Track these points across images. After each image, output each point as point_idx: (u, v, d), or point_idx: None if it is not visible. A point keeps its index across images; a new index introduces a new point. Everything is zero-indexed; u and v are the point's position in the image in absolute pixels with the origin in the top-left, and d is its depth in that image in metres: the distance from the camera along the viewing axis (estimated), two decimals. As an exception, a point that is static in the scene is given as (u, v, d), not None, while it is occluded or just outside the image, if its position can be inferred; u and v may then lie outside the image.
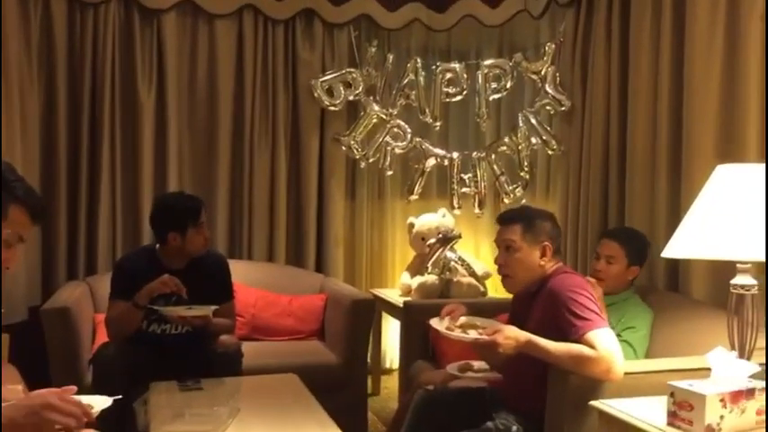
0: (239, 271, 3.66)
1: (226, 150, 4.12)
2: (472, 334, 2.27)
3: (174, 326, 2.91)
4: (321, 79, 4.16)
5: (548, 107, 3.97)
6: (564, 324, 2.15)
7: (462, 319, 2.36)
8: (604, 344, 2.07)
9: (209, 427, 2.15)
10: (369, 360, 4.09)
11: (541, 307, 2.27)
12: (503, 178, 4.17)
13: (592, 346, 2.07)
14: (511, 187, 4.16)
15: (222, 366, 2.81)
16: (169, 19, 3.97)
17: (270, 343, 3.65)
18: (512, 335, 2.16)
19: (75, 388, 1.43)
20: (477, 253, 4.54)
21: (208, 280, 2.93)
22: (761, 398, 1.78)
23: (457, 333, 2.28)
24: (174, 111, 3.99)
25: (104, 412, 1.52)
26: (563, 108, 3.88)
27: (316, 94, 4.15)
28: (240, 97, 4.12)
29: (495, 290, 4.29)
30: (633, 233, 2.92)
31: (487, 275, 4.03)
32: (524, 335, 2.16)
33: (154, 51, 3.95)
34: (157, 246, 2.96)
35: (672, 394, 1.77)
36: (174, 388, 2.56)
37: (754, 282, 1.93)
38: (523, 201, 4.15)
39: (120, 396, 1.62)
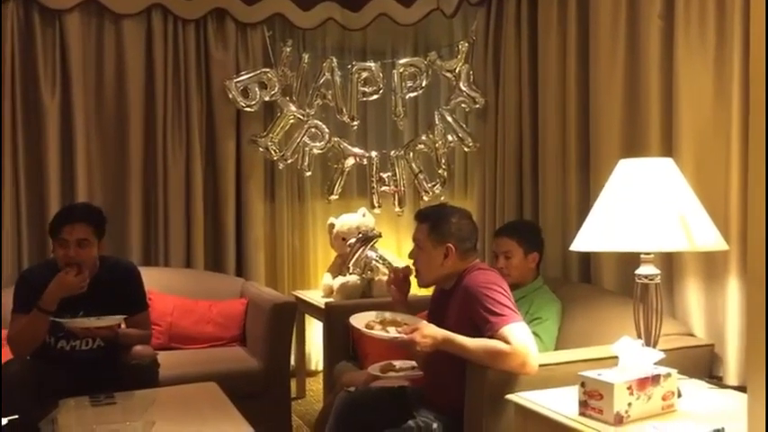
0: (155, 278, 3.57)
1: (137, 154, 3.99)
2: (392, 332, 2.28)
3: (85, 341, 2.79)
4: (235, 80, 4.09)
5: (463, 105, 4.03)
6: (479, 320, 2.18)
7: (384, 315, 2.37)
8: (518, 338, 2.11)
9: (122, 444, 2.08)
10: (293, 363, 4.05)
11: (458, 304, 2.30)
12: (421, 176, 4.21)
13: (506, 341, 2.10)
14: (429, 185, 4.20)
15: (137, 379, 2.70)
16: (72, 19, 3.81)
17: (189, 351, 3.56)
18: (429, 333, 2.18)
19: None
20: (398, 251, 4.55)
21: (117, 291, 2.82)
22: (666, 384, 1.85)
23: (377, 332, 2.30)
24: (80, 114, 3.84)
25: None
26: (477, 105, 3.94)
27: (230, 96, 4.08)
28: (151, 99, 4.01)
29: (417, 287, 4.32)
30: (521, 224, 3.15)
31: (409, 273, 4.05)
32: (441, 332, 2.19)
33: (57, 53, 3.80)
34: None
35: (582, 384, 1.82)
36: (84, 404, 2.45)
37: (657, 271, 2.00)
38: (442, 198, 4.19)
39: (17, 416, 1.53)
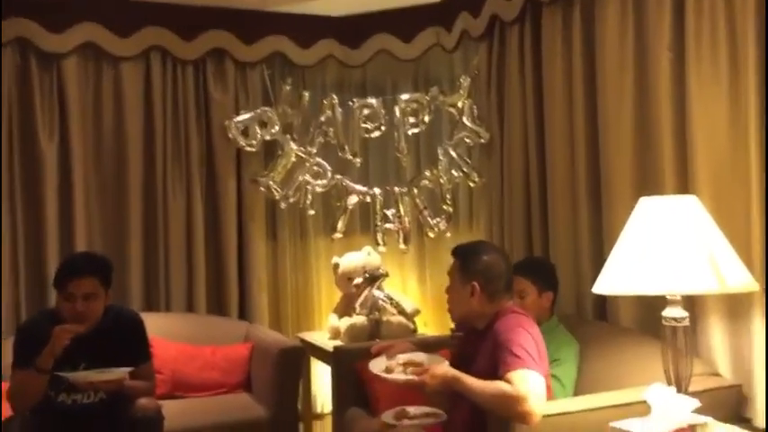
0: (157, 324, 3.47)
1: (137, 198, 3.92)
2: (408, 374, 2.22)
3: (86, 394, 2.69)
4: (235, 120, 4.04)
5: (467, 140, 3.98)
6: (497, 362, 2.11)
7: (403, 357, 2.30)
8: (525, 383, 2.02)
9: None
10: (299, 406, 3.94)
11: (489, 349, 2.21)
12: (426, 212, 4.14)
13: (511, 384, 2.02)
14: (434, 221, 4.13)
15: (142, 433, 2.62)
16: (70, 63, 3.76)
17: (193, 400, 3.46)
18: (439, 373, 2.14)
19: None
20: (404, 289, 4.47)
21: (121, 342, 2.73)
22: (701, 433, 1.77)
23: (393, 375, 2.24)
24: (79, 159, 3.77)
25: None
26: (482, 140, 3.89)
27: (230, 135, 4.03)
28: (150, 142, 3.95)
29: (425, 325, 4.24)
30: (534, 261, 3.05)
31: (416, 312, 3.98)
32: (451, 372, 2.14)
33: (55, 97, 3.74)
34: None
35: (615, 437, 1.74)
36: (88, 463, 2.36)
37: (686, 314, 1.93)
38: (448, 234, 4.13)
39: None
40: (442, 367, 2.15)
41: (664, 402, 1.78)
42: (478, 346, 2.29)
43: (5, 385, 3.01)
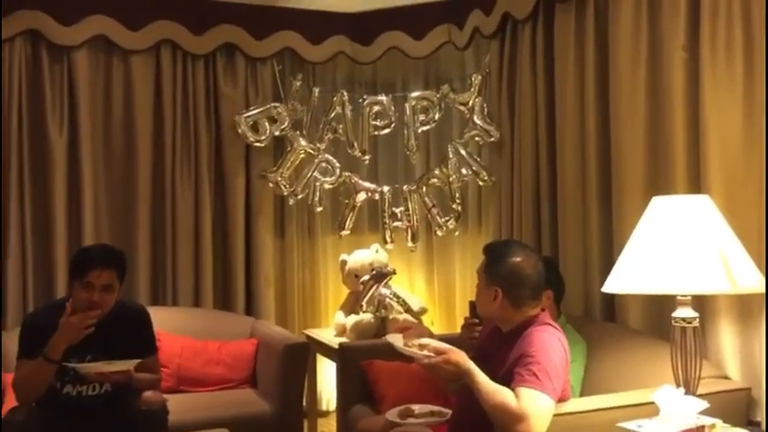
0: (163, 318, 3.48)
1: (146, 191, 3.92)
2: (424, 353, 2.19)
3: (92, 386, 2.69)
4: (245, 115, 4.04)
5: (477, 138, 3.96)
6: (515, 371, 2.06)
7: (423, 340, 2.26)
8: (533, 403, 1.96)
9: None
10: (304, 403, 3.94)
11: (510, 354, 2.14)
12: (435, 210, 4.13)
13: (518, 399, 1.97)
14: (443, 219, 4.12)
15: (146, 426, 2.62)
16: (81, 56, 3.77)
17: (198, 395, 3.45)
18: (454, 359, 2.07)
19: None
20: (411, 287, 4.46)
21: (127, 334, 2.73)
22: (710, 435, 1.74)
23: (410, 350, 2.17)
24: (88, 151, 3.78)
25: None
26: (492, 139, 3.87)
27: (240, 131, 4.02)
28: (160, 136, 3.95)
29: (432, 323, 4.22)
30: None
31: (423, 311, 3.96)
32: (468, 364, 2.07)
33: (65, 89, 3.75)
34: (70, 300, 2.74)
35: (622, 437, 1.72)
36: (92, 454, 2.36)
37: (696, 314, 1.91)
38: (456, 233, 4.12)
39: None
40: (461, 356, 2.09)
41: (672, 404, 1.75)
42: (500, 348, 2.22)
43: (7, 377, 3.03)
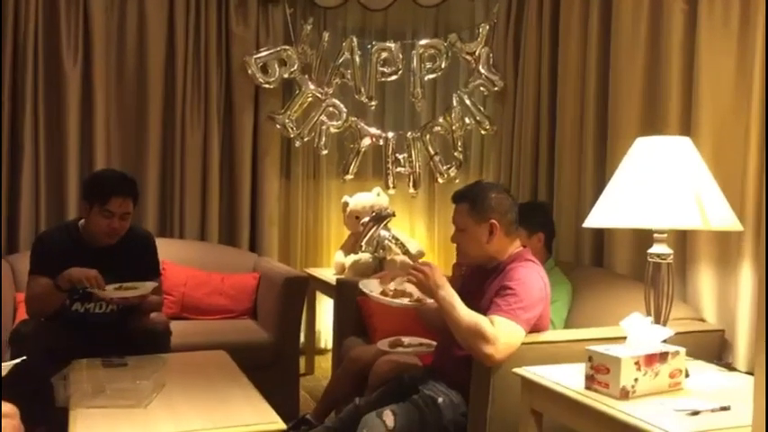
0: (170, 249, 3.60)
1: (156, 126, 4.01)
2: (403, 301, 2.30)
3: (99, 304, 2.82)
4: (255, 56, 4.10)
5: (481, 88, 4.02)
6: (494, 300, 2.17)
7: (395, 282, 2.37)
8: (504, 330, 2.08)
9: (132, 402, 2.10)
10: (303, 340, 4.08)
11: (494, 287, 2.25)
12: (437, 158, 4.21)
13: (492, 324, 2.08)
14: (445, 167, 4.19)
15: (149, 344, 2.74)
16: (96, -11, 3.83)
17: (200, 322, 3.59)
18: (435, 276, 2.16)
19: None
20: (411, 232, 4.56)
21: (133, 258, 2.85)
22: (674, 362, 1.84)
23: (388, 298, 2.31)
24: (101, 84, 3.86)
25: (19, 384, 1.45)
26: (496, 88, 3.92)
27: (250, 72, 4.09)
28: (171, 72, 4.02)
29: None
30: (522, 205, 3.02)
31: (421, 254, 4.06)
32: (445, 284, 2.16)
33: (80, 21, 3.81)
34: (81, 222, 2.86)
35: (590, 358, 1.82)
36: (96, 365, 2.49)
37: (670, 251, 1.99)
38: (457, 181, 4.20)
39: (25, 357, 1.54)
40: (440, 274, 2.18)
41: (638, 329, 1.85)
42: (483, 283, 2.31)
43: (20, 296, 3.16)
